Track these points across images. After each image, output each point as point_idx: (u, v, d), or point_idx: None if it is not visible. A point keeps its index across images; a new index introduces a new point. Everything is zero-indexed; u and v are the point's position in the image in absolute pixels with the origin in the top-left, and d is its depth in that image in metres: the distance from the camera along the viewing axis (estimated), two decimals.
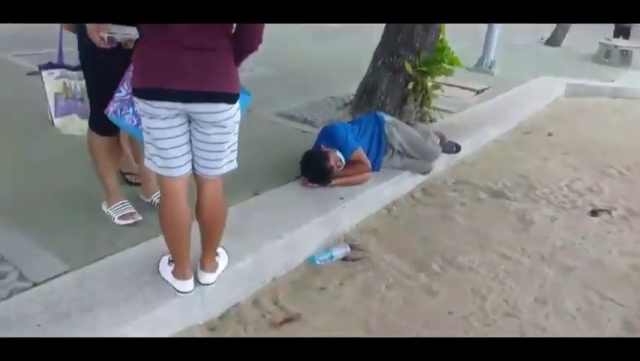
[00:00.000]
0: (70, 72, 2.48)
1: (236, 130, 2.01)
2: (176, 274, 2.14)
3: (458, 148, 4.20)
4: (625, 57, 10.23)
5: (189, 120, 1.92)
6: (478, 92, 6.48)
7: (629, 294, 2.76)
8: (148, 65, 1.82)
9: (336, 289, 2.63)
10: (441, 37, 4.53)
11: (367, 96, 4.62)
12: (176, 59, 1.78)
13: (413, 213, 3.49)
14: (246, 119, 2.10)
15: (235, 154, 2.07)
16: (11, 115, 3.97)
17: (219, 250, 2.30)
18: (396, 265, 2.85)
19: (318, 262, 2.81)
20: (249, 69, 5.98)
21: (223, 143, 1.96)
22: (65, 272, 2.19)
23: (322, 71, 6.52)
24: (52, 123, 2.54)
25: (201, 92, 1.81)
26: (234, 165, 2.08)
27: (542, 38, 12.97)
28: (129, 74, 2.05)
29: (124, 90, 2.12)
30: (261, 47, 1.90)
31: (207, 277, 2.20)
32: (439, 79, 4.80)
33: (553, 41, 12.34)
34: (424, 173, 3.80)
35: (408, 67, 4.38)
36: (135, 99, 1.88)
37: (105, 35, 1.99)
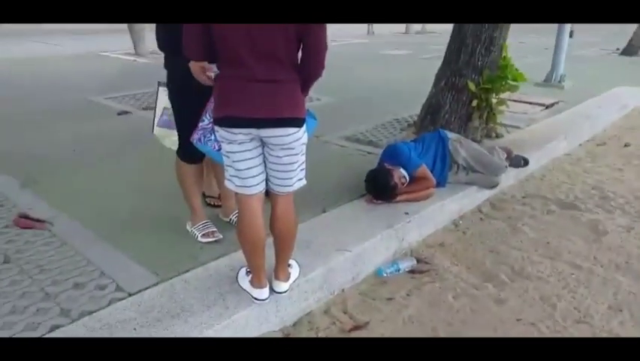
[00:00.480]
0: None
1: (304, 151, 2.20)
2: (253, 283, 2.33)
3: (526, 162, 4.18)
4: None
5: (263, 144, 2.14)
6: (547, 107, 6.37)
7: None
8: (226, 97, 2.06)
9: (403, 299, 2.71)
10: (504, 54, 4.56)
11: (431, 116, 4.71)
12: (249, 91, 2.01)
13: (481, 227, 3.52)
14: (314, 144, 2.31)
15: (304, 172, 2.26)
16: (107, 145, 4.43)
17: (291, 261, 2.48)
18: (463, 277, 2.90)
19: (384, 275, 2.91)
20: (316, 98, 6.27)
21: (293, 163, 2.16)
22: (156, 284, 2.44)
23: (383, 96, 6.69)
24: (152, 131, 2.89)
25: (271, 119, 2.03)
26: (304, 182, 2.27)
27: (618, 49, 12.48)
28: (210, 105, 2.30)
29: (206, 119, 2.38)
30: (323, 76, 2.12)
31: (281, 286, 2.37)
32: (505, 95, 4.81)
33: (629, 51, 11.83)
34: (491, 187, 3.82)
35: (471, 85, 4.44)
36: (216, 127, 2.13)
37: (212, 74, 2.20)
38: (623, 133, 5.90)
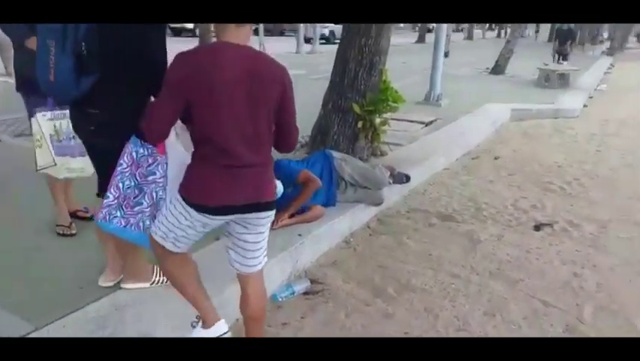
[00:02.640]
0: (58, 112, 2.67)
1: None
2: (207, 325, 2.19)
3: (408, 178, 4.46)
4: (563, 80, 10.90)
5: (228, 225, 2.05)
6: (426, 124, 6.84)
7: (570, 299, 2.98)
8: (211, 185, 1.90)
9: (298, 323, 2.76)
10: (384, 78, 4.84)
11: (321, 137, 4.87)
12: (239, 177, 1.90)
13: (370, 243, 3.68)
14: None
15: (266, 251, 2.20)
16: None
17: None
18: (354, 294, 3.01)
19: (280, 299, 2.95)
20: None
21: (263, 241, 2.12)
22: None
23: None
24: (37, 168, 2.76)
25: (259, 203, 1.96)
26: (267, 259, 2.22)
27: (487, 68, 13.70)
28: (115, 180, 2.17)
29: (111, 196, 2.19)
30: None
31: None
32: (387, 115, 5.09)
33: (497, 70, 13.03)
34: (377, 204, 4.02)
35: (356, 107, 4.66)
36: (193, 213, 1.93)
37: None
38: (493, 147, 6.50)
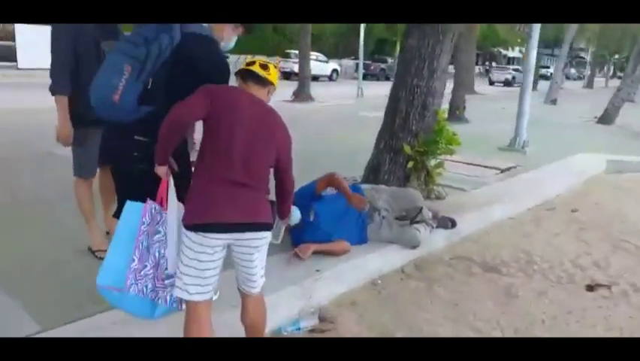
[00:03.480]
0: None
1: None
2: None
3: (453, 224, 4.24)
4: None
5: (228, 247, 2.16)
6: (502, 171, 6.49)
7: None
8: (210, 202, 2.05)
9: None
10: (438, 119, 4.72)
11: (373, 175, 4.83)
12: (233, 195, 2.07)
13: (398, 287, 3.52)
14: None
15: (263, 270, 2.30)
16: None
17: None
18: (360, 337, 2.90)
19: (284, 333, 2.92)
20: None
21: (260, 260, 2.22)
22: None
23: (338, 155, 6.71)
24: None
25: (252, 223, 2.10)
26: (264, 279, 2.32)
27: (595, 117, 12.77)
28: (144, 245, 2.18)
29: (148, 265, 2.19)
30: None
31: None
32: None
33: (605, 120, 12.11)
34: (412, 246, 3.85)
35: (406, 148, 4.58)
36: (192, 235, 2.04)
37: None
38: (575, 199, 5.97)
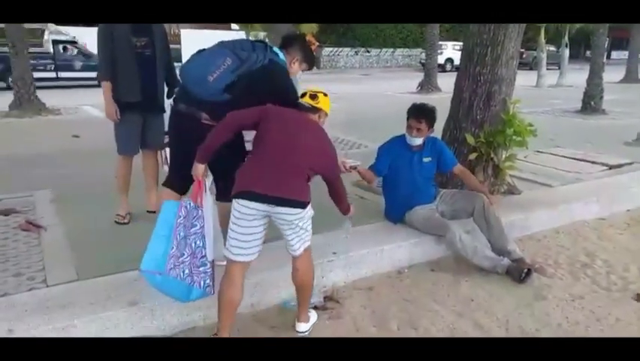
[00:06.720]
0: None
1: (306, 225, 2.61)
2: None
3: (529, 273, 3.34)
4: None
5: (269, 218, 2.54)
6: (610, 167, 5.80)
7: None
8: (252, 174, 2.50)
9: (288, 330, 2.85)
10: (509, 109, 4.42)
11: None
12: (272, 172, 2.47)
13: (423, 278, 3.45)
14: None
15: (309, 235, 2.65)
16: None
17: (311, 311, 2.92)
18: (356, 320, 2.95)
19: (288, 307, 3.09)
20: (364, 146, 6.48)
21: (294, 236, 2.59)
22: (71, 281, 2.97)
23: None
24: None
25: (281, 198, 2.44)
26: (308, 243, 2.68)
27: None
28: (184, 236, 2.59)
29: (186, 253, 2.57)
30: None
31: (301, 327, 2.80)
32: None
33: None
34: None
35: (469, 138, 4.38)
36: (236, 205, 2.48)
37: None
38: None
